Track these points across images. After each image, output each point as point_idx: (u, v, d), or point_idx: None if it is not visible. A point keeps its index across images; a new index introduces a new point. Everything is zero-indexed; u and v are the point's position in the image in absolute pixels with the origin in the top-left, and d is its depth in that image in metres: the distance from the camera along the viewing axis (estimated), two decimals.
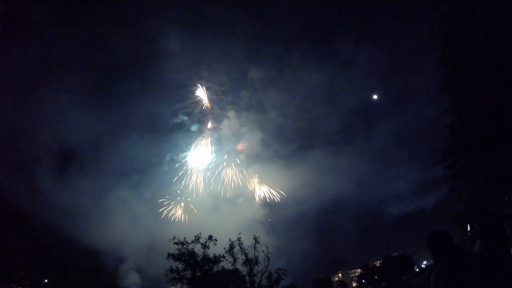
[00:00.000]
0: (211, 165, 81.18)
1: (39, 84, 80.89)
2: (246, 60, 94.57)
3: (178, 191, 78.65)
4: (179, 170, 79.45)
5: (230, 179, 78.84)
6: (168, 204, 77.11)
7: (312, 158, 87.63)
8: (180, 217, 76.54)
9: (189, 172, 79.67)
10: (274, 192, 78.95)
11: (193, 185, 79.07)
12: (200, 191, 79.29)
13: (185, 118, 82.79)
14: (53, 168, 77.88)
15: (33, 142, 79.22)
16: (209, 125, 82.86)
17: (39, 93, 77.62)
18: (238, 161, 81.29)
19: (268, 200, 79.32)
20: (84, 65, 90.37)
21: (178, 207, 77.51)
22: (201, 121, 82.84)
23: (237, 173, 79.11)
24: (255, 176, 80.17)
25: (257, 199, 79.38)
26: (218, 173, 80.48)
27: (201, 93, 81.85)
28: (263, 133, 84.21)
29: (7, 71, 73.19)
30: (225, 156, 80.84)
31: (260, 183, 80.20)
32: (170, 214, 76.62)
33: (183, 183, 78.65)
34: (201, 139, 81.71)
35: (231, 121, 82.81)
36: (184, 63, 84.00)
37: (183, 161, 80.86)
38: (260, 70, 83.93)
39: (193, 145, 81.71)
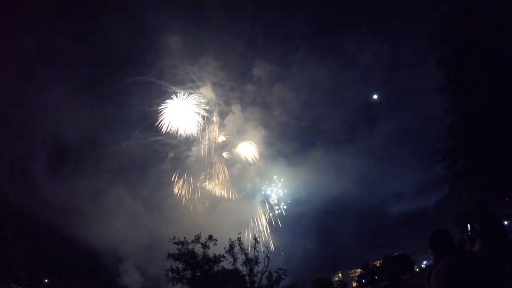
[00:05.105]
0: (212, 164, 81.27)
1: (33, 80, 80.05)
2: (251, 56, 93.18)
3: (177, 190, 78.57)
4: (179, 168, 79.50)
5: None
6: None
7: (314, 156, 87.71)
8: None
9: (189, 170, 79.75)
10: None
11: (192, 183, 79.17)
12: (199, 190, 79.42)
13: (186, 115, 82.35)
14: (51, 167, 77.83)
15: (29, 139, 78.77)
16: (212, 121, 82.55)
17: (34, 89, 77.10)
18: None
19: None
20: (81, 60, 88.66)
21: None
22: (203, 118, 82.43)
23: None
24: None
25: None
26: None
27: (203, 88, 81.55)
28: (266, 130, 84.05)
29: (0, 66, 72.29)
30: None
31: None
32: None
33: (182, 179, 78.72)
34: (203, 136, 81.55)
35: (235, 116, 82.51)
36: (187, 58, 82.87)
37: (184, 158, 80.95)
38: (265, 66, 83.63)
39: (194, 142, 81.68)
